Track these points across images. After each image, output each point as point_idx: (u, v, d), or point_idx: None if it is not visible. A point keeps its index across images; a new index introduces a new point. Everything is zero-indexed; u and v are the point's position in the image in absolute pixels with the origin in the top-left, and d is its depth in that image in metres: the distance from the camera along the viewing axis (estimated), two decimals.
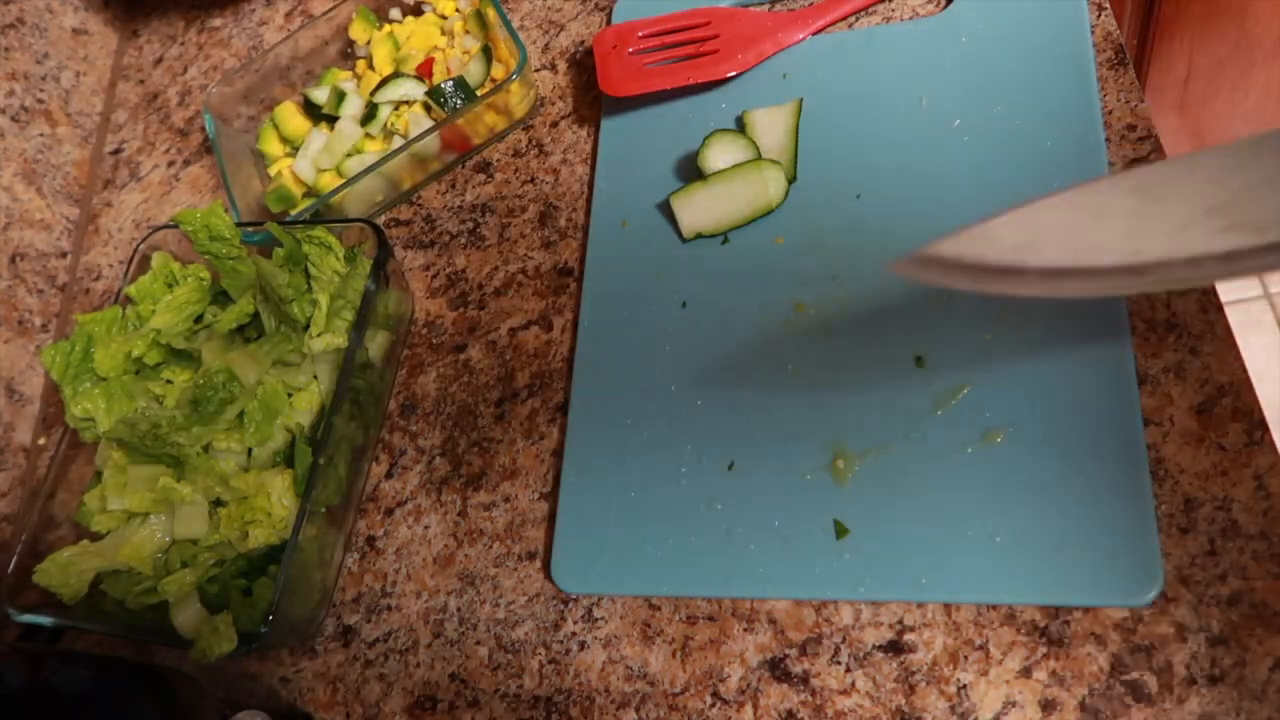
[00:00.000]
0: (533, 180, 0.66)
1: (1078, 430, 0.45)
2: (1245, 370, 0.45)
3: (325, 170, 0.70)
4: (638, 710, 0.49)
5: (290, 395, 0.58)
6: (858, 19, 0.61)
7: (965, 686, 0.44)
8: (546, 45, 0.71)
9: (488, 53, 0.69)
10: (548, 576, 0.53)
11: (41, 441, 0.72)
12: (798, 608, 0.48)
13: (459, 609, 0.54)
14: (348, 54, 0.75)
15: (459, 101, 0.66)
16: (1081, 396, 0.46)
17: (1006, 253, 0.35)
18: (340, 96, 0.71)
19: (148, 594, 0.55)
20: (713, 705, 0.48)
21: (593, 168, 0.64)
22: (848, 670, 0.46)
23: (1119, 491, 0.44)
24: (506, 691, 0.52)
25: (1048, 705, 0.42)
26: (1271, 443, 0.43)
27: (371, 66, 0.73)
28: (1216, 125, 1.13)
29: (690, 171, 0.60)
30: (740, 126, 0.59)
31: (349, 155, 0.70)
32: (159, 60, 0.89)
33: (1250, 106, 1.09)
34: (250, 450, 0.57)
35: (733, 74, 0.61)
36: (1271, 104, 1.08)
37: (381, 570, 0.57)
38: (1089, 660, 0.42)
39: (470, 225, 0.66)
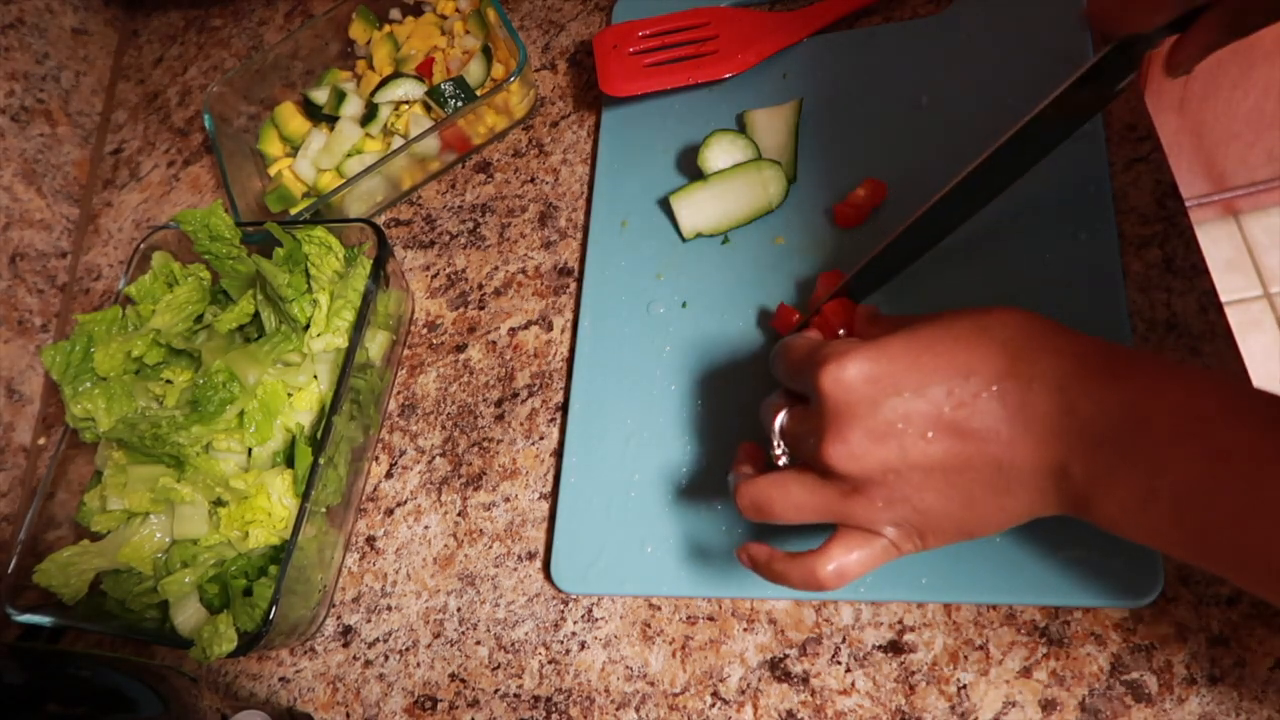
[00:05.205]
0: (533, 180, 0.66)
1: None
2: (1245, 370, 0.45)
3: (325, 170, 0.70)
4: (638, 710, 0.49)
5: (290, 395, 0.58)
6: (858, 19, 0.61)
7: (965, 686, 0.44)
8: (546, 45, 0.71)
9: (488, 53, 0.69)
10: (547, 576, 0.53)
11: (41, 441, 0.72)
12: (798, 608, 0.48)
13: (459, 609, 0.54)
14: (348, 54, 0.75)
15: (459, 101, 0.66)
16: None
17: None
18: (340, 96, 0.71)
19: (148, 594, 0.55)
20: (713, 705, 0.47)
21: (593, 168, 0.64)
22: (848, 670, 0.46)
23: None
24: (506, 691, 0.52)
25: (1048, 705, 0.42)
26: None
27: (371, 66, 0.73)
28: (1216, 125, 1.13)
29: (690, 171, 0.60)
30: (740, 126, 0.59)
31: (349, 155, 0.70)
32: (159, 60, 0.89)
33: (1250, 106, 1.09)
34: (250, 450, 0.57)
35: (732, 74, 0.60)
36: (1271, 104, 1.08)
37: (381, 570, 0.57)
38: (1089, 660, 0.42)
39: (470, 225, 0.66)
